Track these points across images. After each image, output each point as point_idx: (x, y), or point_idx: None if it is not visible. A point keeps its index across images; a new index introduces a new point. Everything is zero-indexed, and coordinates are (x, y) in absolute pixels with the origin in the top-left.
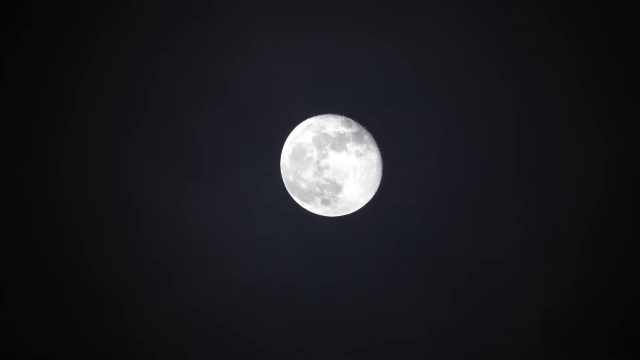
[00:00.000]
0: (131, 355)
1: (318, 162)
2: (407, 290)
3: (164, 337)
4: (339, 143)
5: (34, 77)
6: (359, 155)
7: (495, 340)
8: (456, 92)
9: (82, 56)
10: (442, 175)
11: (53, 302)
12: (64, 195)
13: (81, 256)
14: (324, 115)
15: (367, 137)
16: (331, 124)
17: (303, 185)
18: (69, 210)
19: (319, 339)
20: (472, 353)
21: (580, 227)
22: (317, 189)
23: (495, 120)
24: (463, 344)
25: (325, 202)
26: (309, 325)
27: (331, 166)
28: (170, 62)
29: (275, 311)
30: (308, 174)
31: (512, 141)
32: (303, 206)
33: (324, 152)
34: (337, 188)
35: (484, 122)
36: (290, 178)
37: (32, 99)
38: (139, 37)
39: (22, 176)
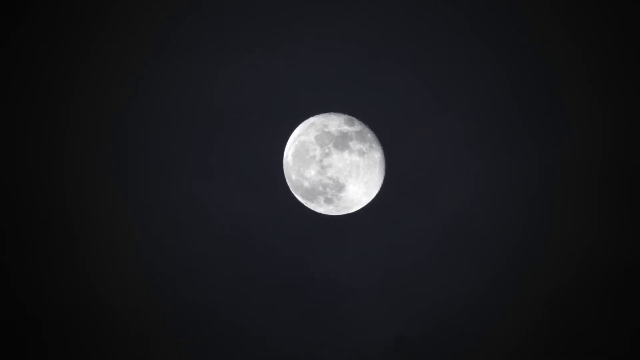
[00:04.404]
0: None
1: (321, 160)
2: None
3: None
4: (341, 142)
5: None
6: (361, 153)
7: None
8: (460, 91)
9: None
10: (443, 173)
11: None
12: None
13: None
14: (327, 114)
15: (369, 135)
16: (334, 123)
17: (306, 183)
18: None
19: (322, 334)
20: None
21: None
22: (320, 188)
23: (499, 117)
24: None
25: (328, 201)
26: (309, 323)
27: (334, 165)
28: (166, 63)
29: (277, 309)
30: (311, 173)
31: (518, 139)
32: (306, 205)
33: (327, 150)
34: (340, 187)
35: (487, 121)
36: (293, 177)
37: None
38: (149, 39)
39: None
